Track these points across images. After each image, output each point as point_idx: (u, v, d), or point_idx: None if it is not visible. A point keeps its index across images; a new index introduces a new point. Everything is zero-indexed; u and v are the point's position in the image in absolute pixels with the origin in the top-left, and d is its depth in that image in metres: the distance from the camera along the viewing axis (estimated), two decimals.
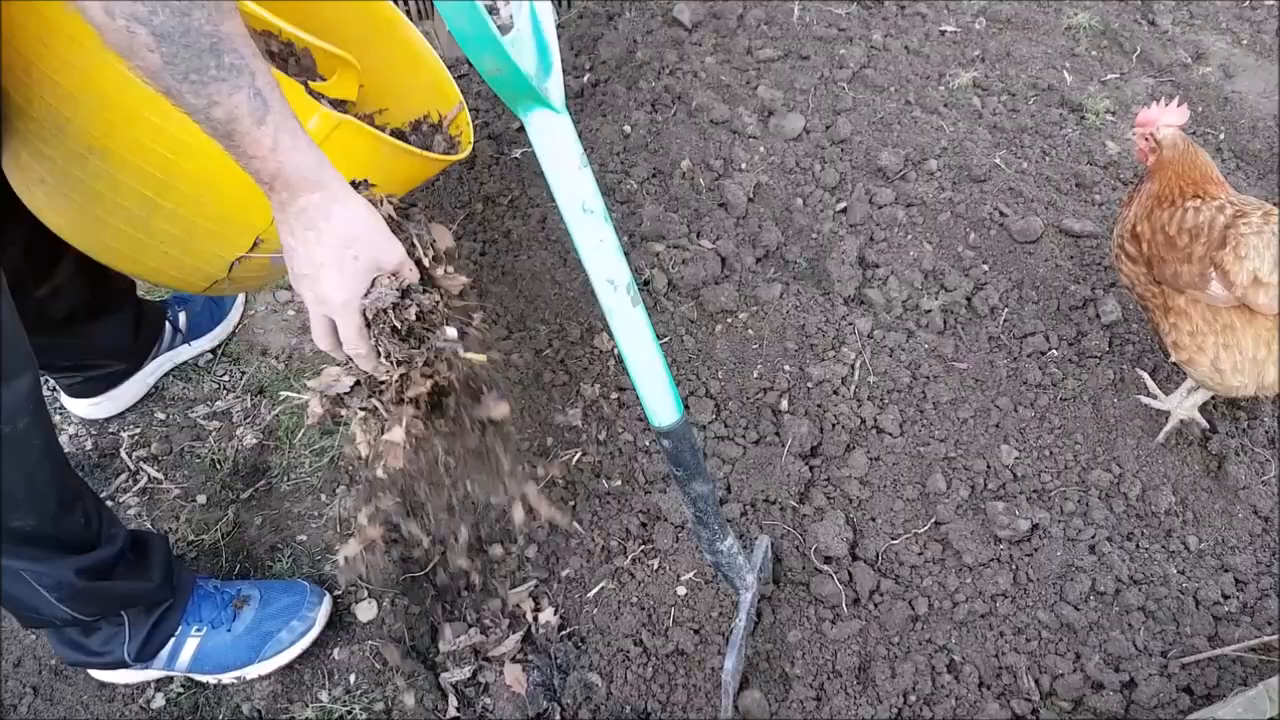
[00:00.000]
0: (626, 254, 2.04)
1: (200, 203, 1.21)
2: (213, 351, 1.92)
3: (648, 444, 1.76)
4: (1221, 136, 2.43)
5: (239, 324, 1.97)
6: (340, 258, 0.93)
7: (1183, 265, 1.51)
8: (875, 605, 1.53)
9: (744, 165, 2.29)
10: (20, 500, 1.09)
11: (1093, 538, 1.59)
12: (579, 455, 1.78)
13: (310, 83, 1.36)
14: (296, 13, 1.30)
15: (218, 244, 1.26)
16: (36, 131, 1.19)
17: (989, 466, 1.68)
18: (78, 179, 1.21)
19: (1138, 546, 1.59)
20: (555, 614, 1.55)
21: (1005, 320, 1.92)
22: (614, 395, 1.87)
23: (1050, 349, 1.86)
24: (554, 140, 1.01)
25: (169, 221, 1.23)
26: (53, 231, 1.31)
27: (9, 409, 1.02)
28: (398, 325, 1.00)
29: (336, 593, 1.50)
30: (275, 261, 1.18)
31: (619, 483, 1.71)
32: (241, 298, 1.97)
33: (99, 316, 1.61)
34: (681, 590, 1.54)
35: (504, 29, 0.89)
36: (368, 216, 0.95)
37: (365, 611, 1.49)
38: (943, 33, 2.80)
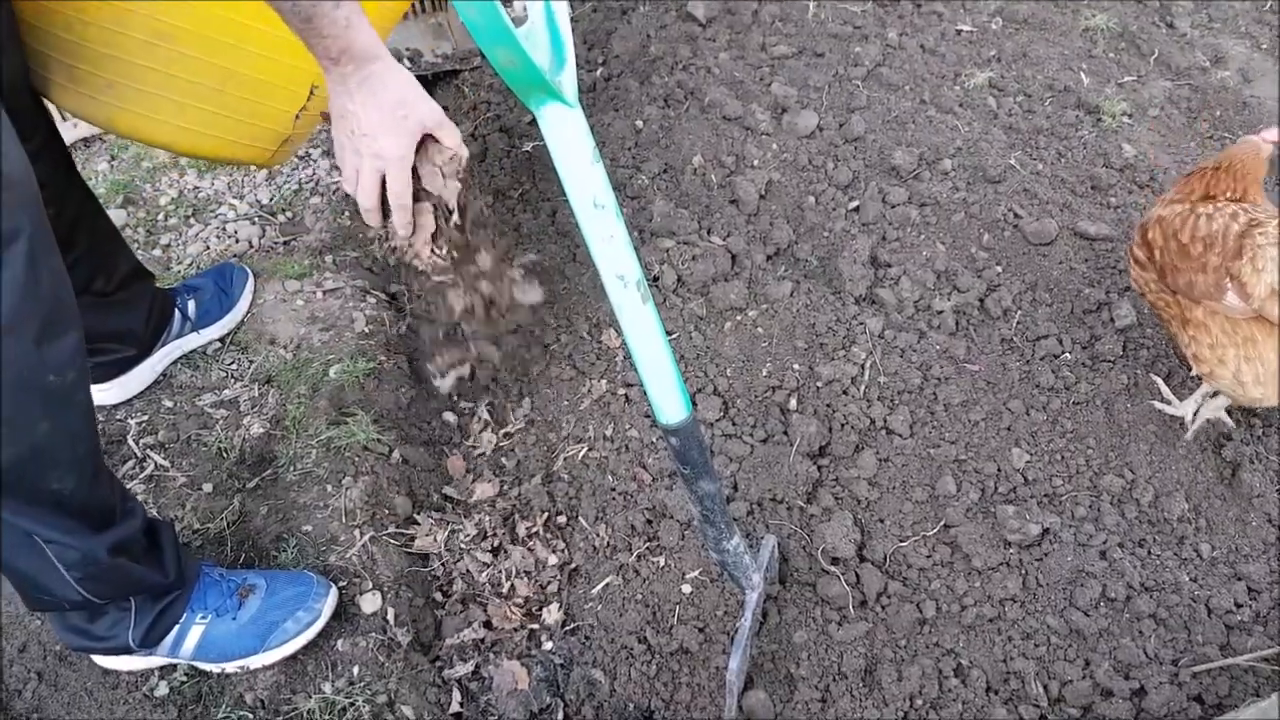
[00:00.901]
0: (636, 249, 2.02)
1: (270, 60, 1.32)
2: (221, 340, 1.92)
3: (654, 440, 1.75)
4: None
5: (248, 313, 1.97)
6: (395, 118, 1.06)
7: (1198, 275, 1.49)
8: (882, 607, 1.51)
9: (756, 162, 2.28)
10: (61, 460, 1.10)
11: (1104, 543, 1.57)
12: (585, 450, 1.78)
13: None
14: None
15: (284, 99, 1.40)
16: (95, 35, 1.28)
17: (1000, 470, 1.67)
18: (148, 69, 1.32)
19: (1149, 553, 1.58)
20: (560, 609, 1.55)
21: (1018, 323, 1.90)
22: (621, 391, 1.86)
23: (1063, 352, 1.84)
24: (566, 134, 1.00)
25: (240, 87, 1.36)
26: (82, 201, 1.43)
27: (56, 362, 1.05)
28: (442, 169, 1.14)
29: (341, 584, 1.50)
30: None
31: (625, 479, 1.70)
32: (249, 288, 1.97)
33: (111, 298, 1.61)
34: (687, 588, 1.54)
35: (517, 21, 0.88)
36: (412, 82, 1.09)
37: (369, 603, 1.49)
38: (959, 32, 2.78)
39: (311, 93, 1.40)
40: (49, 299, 1.03)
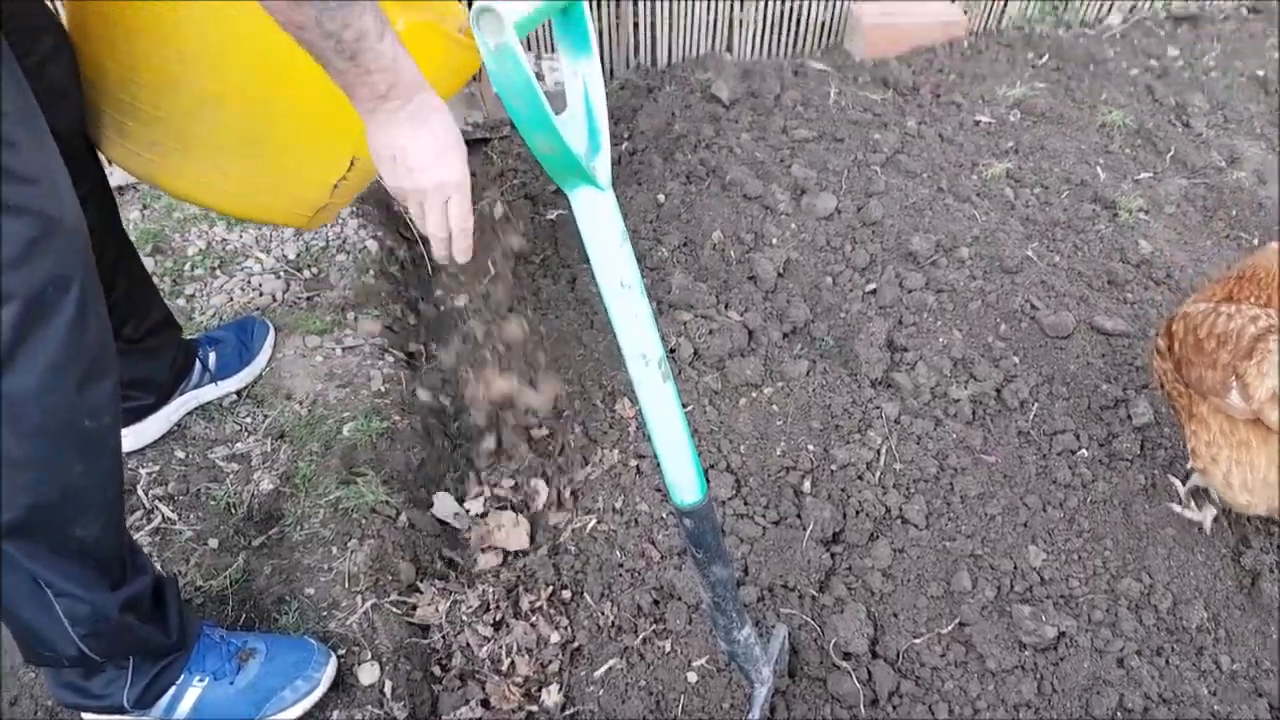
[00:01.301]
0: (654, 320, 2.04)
1: (305, 131, 1.35)
2: (237, 393, 1.92)
3: (664, 515, 1.74)
4: (1255, 241, 2.43)
5: (266, 367, 1.97)
6: (450, 144, 1.09)
7: (1207, 370, 1.50)
8: (894, 708, 1.47)
9: (775, 240, 2.30)
10: (89, 505, 1.10)
11: (1121, 650, 1.54)
12: (594, 522, 1.76)
13: None
14: None
15: (324, 169, 1.42)
16: (146, 96, 1.32)
17: (1016, 567, 1.64)
18: (192, 133, 1.35)
19: (1167, 663, 1.54)
20: (560, 691, 1.51)
21: (1035, 415, 1.89)
22: (633, 463, 1.85)
23: (1080, 448, 1.83)
24: (598, 217, 1.01)
25: (282, 155, 1.39)
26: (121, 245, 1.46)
27: (93, 406, 1.06)
28: None
29: (341, 652, 1.47)
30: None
31: (633, 555, 1.68)
32: (270, 342, 1.98)
33: (139, 344, 1.62)
34: (692, 676, 1.50)
35: (556, 107, 0.90)
36: (448, 110, 1.11)
37: (368, 674, 1.45)
38: (977, 123, 2.84)
39: (352, 164, 1.43)
40: (94, 346, 1.05)
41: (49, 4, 1.30)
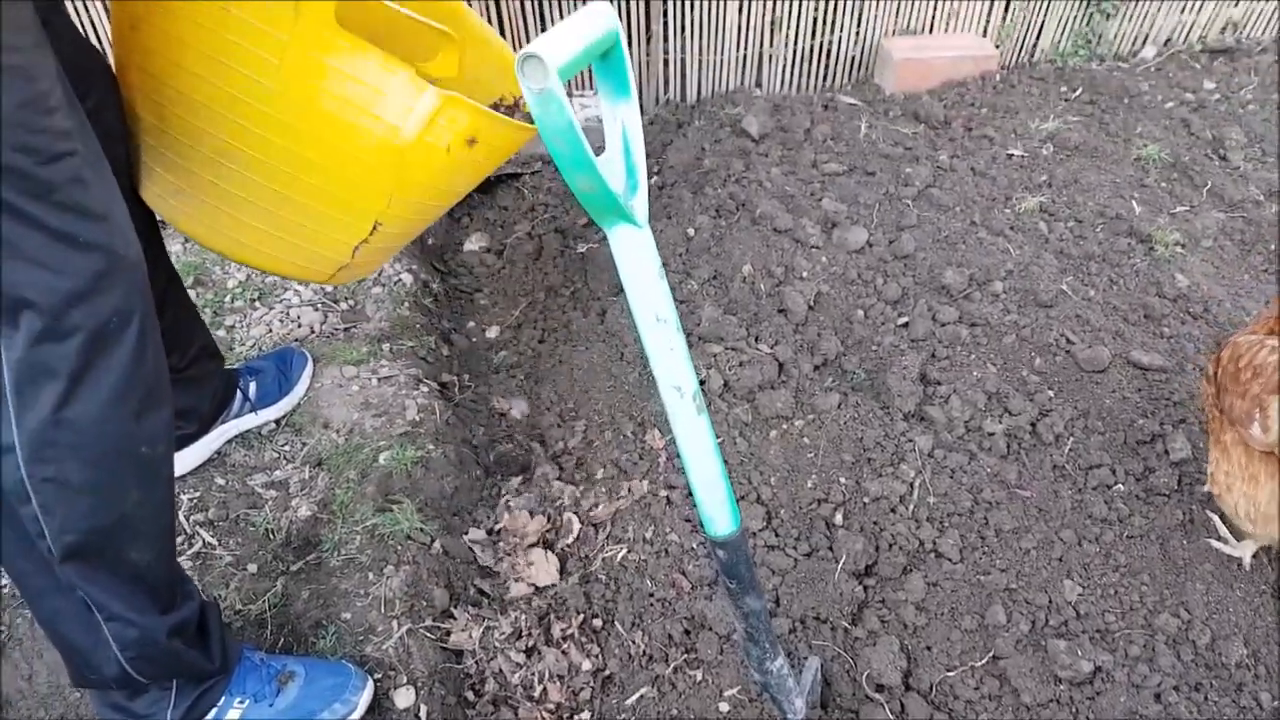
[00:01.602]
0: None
1: (325, 193, 1.35)
2: (276, 421, 1.97)
3: (695, 546, 1.74)
4: None
5: (304, 396, 2.02)
6: None
7: (1237, 399, 1.51)
8: None
9: (805, 274, 2.32)
10: (144, 531, 1.14)
11: (1159, 685, 1.51)
12: (624, 551, 1.77)
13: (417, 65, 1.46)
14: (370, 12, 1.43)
15: (342, 231, 1.41)
16: (171, 145, 1.34)
17: (1051, 601, 1.62)
18: (213, 184, 1.37)
19: (1206, 698, 1.51)
20: (592, 718, 1.52)
21: (1070, 450, 1.88)
22: (663, 493, 1.86)
23: (1116, 483, 1.81)
24: (635, 253, 1.04)
25: (299, 215, 1.38)
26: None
27: (150, 434, 1.10)
28: None
29: (377, 676, 1.49)
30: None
31: (664, 584, 1.69)
32: (309, 372, 2.03)
33: (183, 374, 1.67)
34: (724, 706, 1.50)
35: (597, 148, 0.93)
36: None
37: (403, 698, 1.47)
38: (1010, 156, 2.84)
39: (374, 229, 1.40)
40: (151, 376, 1.09)
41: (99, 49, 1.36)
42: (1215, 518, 1.73)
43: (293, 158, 1.31)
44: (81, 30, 1.36)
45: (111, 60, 1.39)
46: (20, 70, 0.94)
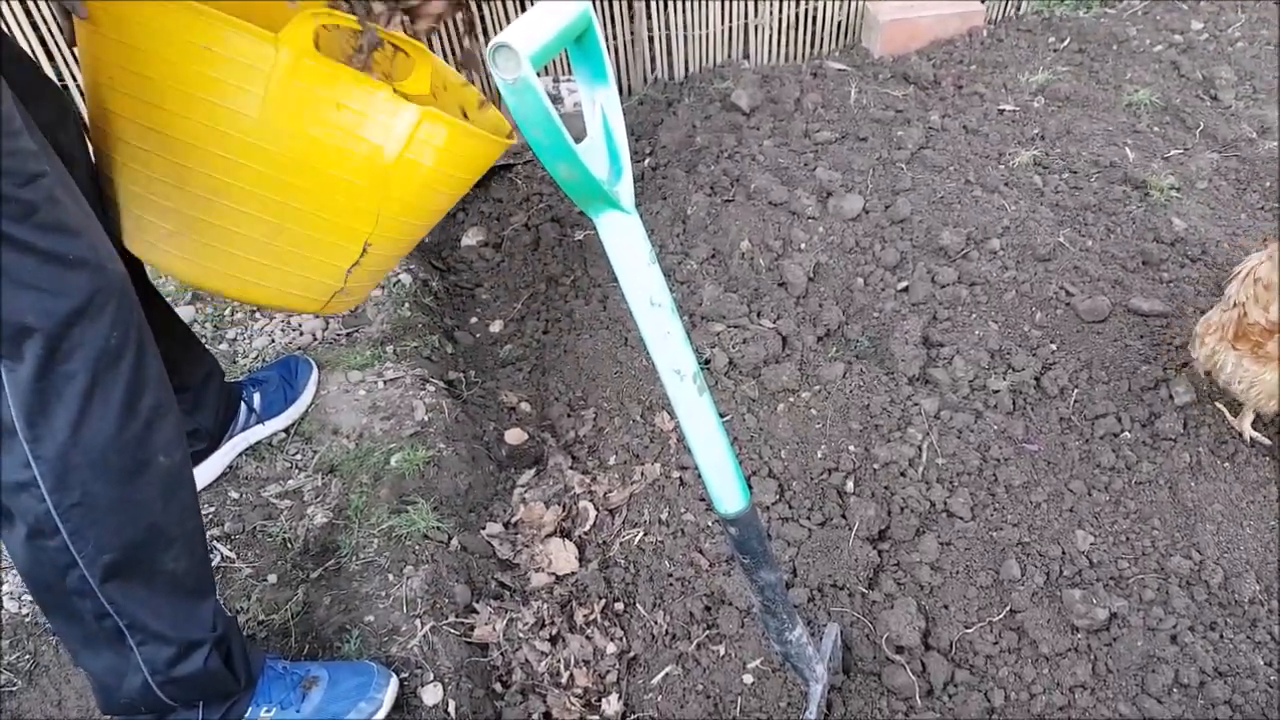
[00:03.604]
0: (687, 333, 2.07)
1: (316, 218, 1.37)
2: (285, 430, 1.98)
3: (710, 524, 1.76)
4: None
5: (311, 404, 2.04)
6: None
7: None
8: (950, 697, 1.47)
9: (803, 245, 2.32)
10: (175, 537, 1.16)
11: (1174, 627, 1.52)
12: (641, 535, 1.79)
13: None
14: (343, 39, 1.46)
15: (334, 255, 1.43)
16: (159, 189, 1.35)
17: (1064, 552, 1.63)
18: (204, 221, 1.37)
19: (1221, 637, 1.52)
20: (619, 700, 1.54)
21: (1075, 401, 1.88)
22: (675, 474, 1.87)
23: (1123, 431, 1.81)
24: (624, 239, 1.04)
25: (292, 243, 1.40)
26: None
27: (164, 443, 1.12)
28: None
29: (403, 675, 1.51)
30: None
31: (682, 564, 1.70)
32: (314, 379, 2.04)
33: (182, 397, 1.68)
34: (749, 678, 1.52)
35: (577, 136, 0.94)
36: None
37: (431, 695, 1.49)
38: (1001, 112, 2.82)
39: (365, 250, 1.44)
40: (155, 382, 1.11)
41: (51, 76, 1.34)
42: (1223, 409, 1.81)
43: (283, 186, 1.33)
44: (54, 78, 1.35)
45: (86, 114, 1.39)
46: None
